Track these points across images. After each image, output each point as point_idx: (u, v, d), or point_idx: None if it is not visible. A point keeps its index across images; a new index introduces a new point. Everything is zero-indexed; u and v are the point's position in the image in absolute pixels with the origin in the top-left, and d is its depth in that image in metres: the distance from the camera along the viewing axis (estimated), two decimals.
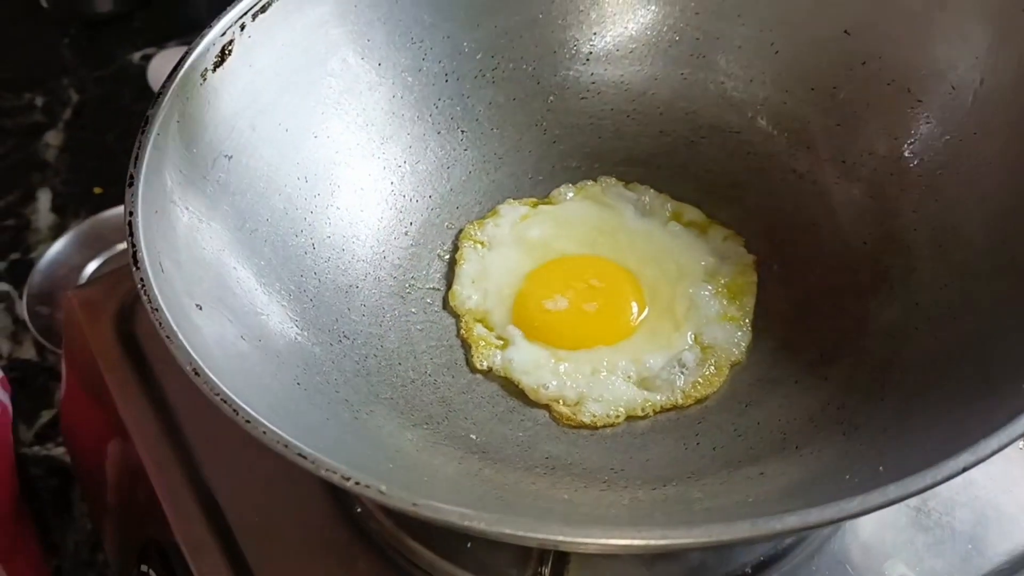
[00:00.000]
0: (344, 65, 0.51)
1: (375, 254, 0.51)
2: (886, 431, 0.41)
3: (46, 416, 0.72)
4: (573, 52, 0.56)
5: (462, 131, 0.55)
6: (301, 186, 0.49)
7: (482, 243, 0.53)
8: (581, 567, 0.43)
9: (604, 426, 0.46)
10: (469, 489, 0.42)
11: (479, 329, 0.50)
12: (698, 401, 0.47)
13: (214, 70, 0.45)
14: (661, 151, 0.55)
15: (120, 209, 0.78)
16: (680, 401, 0.46)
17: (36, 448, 0.70)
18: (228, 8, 0.45)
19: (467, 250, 0.52)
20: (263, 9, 0.46)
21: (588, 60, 0.56)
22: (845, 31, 0.51)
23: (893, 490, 0.30)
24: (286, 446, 0.32)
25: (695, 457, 0.44)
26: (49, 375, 0.74)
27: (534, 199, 0.55)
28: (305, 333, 0.46)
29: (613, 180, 0.55)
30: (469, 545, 0.45)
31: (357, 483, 0.31)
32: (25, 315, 0.75)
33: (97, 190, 0.85)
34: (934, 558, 0.45)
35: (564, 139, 0.56)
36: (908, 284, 0.47)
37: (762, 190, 0.53)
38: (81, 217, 0.83)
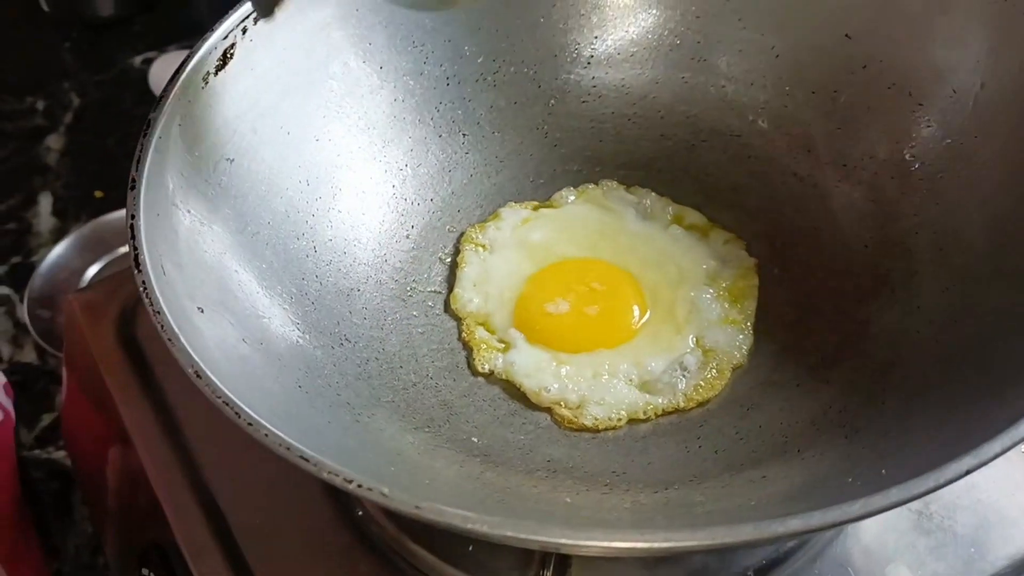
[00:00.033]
0: (346, 68, 0.51)
1: (376, 257, 0.51)
2: (888, 434, 0.41)
3: (47, 419, 0.72)
4: (574, 56, 0.56)
5: (463, 134, 0.55)
6: (303, 189, 0.49)
7: (483, 246, 0.53)
8: (583, 570, 0.43)
9: (606, 429, 0.46)
10: (471, 492, 0.42)
11: (480, 332, 0.50)
12: (700, 404, 0.47)
13: (216, 73, 0.45)
14: (662, 154, 0.55)
15: (121, 213, 0.78)
16: (682, 404, 0.46)
17: (37, 451, 0.70)
18: (230, 12, 0.45)
19: (468, 253, 0.52)
20: None
21: (589, 64, 0.56)
22: (846, 35, 0.51)
23: (895, 493, 0.30)
24: (288, 449, 0.32)
25: (697, 460, 0.44)
26: (50, 378, 0.74)
27: (535, 202, 0.55)
28: (307, 336, 0.46)
29: (614, 183, 0.55)
30: (471, 548, 0.45)
31: (360, 486, 0.31)
32: (26, 319, 0.75)
33: (98, 194, 0.85)
34: (936, 562, 0.45)
35: (565, 142, 0.56)
36: (909, 287, 0.47)
37: (763, 193, 0.53)
38: (82, 221, 0.83)
